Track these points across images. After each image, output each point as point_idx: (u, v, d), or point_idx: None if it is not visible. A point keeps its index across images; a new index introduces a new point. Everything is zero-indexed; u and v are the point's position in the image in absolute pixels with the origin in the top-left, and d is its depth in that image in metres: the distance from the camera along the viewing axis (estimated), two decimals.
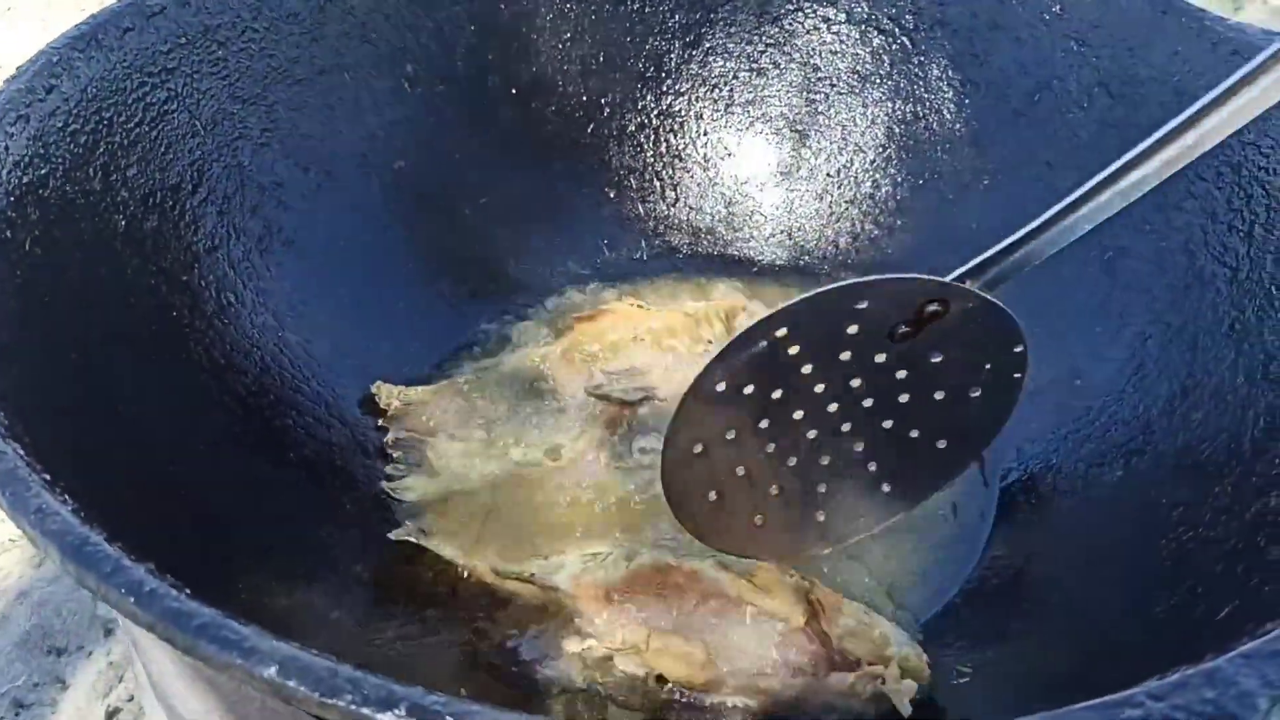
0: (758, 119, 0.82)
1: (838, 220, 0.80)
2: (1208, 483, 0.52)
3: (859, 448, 0.51)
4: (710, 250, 0.82)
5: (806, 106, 0.81)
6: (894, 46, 0.77)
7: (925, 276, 0.48)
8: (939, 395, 0.50)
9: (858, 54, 0.79)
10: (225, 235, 0.63)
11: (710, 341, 0.70)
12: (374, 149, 0.73)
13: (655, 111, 0.81)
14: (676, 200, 0.82)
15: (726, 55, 0.81)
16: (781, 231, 0.82)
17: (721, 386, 0.47)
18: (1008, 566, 0.59)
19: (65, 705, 0.78)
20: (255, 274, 0.64)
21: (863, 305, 0.47)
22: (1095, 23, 0.69)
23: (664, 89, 0.81)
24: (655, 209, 0.82)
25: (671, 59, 0.81)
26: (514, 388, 0.68)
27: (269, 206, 0.66)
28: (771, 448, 0.50)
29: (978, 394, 0.50)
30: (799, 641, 0.52)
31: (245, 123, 0.66)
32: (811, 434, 0.50)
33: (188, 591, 0.33)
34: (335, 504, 0.60)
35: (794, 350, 0.47)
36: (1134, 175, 0.48)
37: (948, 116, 0.76)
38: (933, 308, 0.48)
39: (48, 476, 0.38)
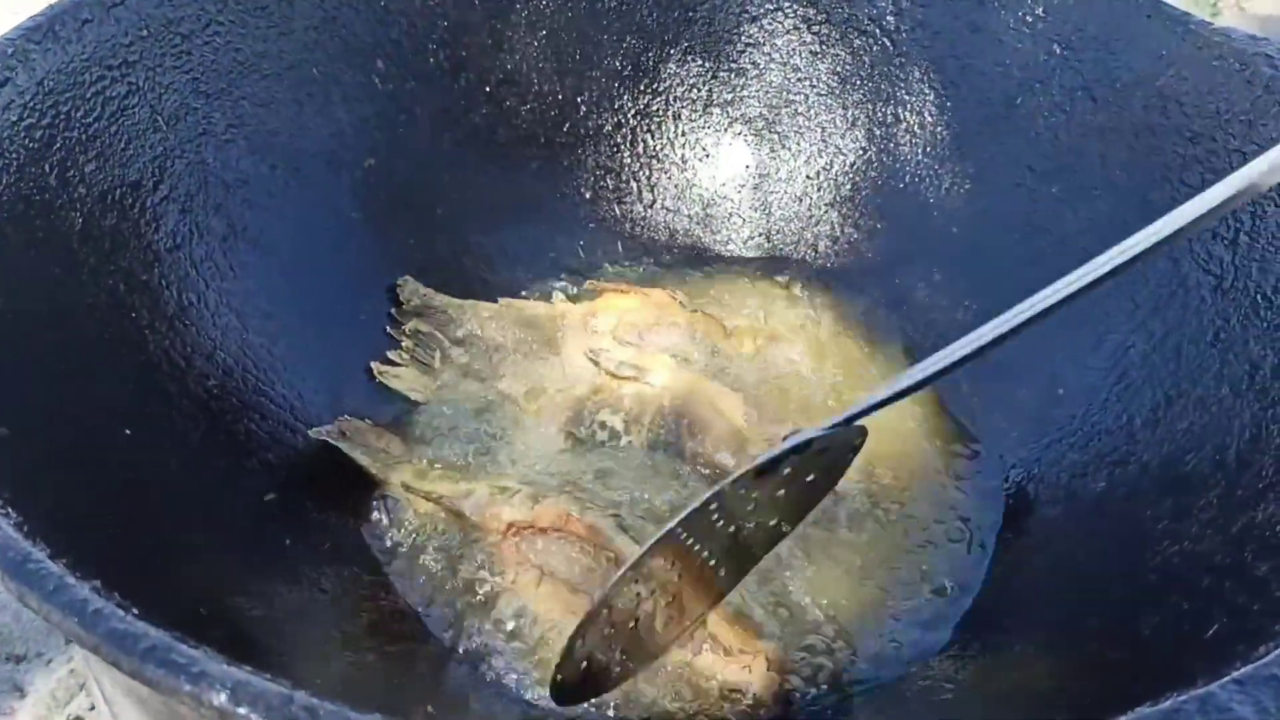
0: (736, 120, 0.81)
1: (817, 223, 0.79)
2: (1193, 495, 0.51)
3: (705, 554, 0.51)
4: (688, 253, 0.80)
5: (786, 108, 0.79)
6: (874, 48, 0.76)
7: (794, 444, 0.48)
8: (780, 494, 0.51)
9: (838, 55, 0.78)
10: (187, 234, 0.61)
11: (730, 357, 0.71)
12: (343, 146, 0.71)
13: (632, 111, 0.80)
14: (654, 202, 0.81)
15: (705, 55, 0.79)
16: (760, 234, 0.80)
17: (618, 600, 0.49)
18: (991, 578, 0.58)
19: (24, 714, 0.76)
20: (219, 274, 0.62)
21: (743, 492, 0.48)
22: (1078, 25, 0.68)
23: (641, 88, 0.80)
24: (632, 210, 0.81)
25: (649, 58, 0.79)
26: (531, 330, 0.72)
27: (234, 204, 0.64)
28: (639, 598, 0.50)
29: (812, 478, 0.51)
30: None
31: (209, 118, 0.64)
32: (674, 570, 0.50)
33: (135, 611, 0.32)
34: (300, 512, 0.58)
35: (683, 534, 0.48)
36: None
37: (929, 119, 0.75)
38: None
39: None
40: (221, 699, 0.29)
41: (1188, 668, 0.38)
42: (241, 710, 0.29)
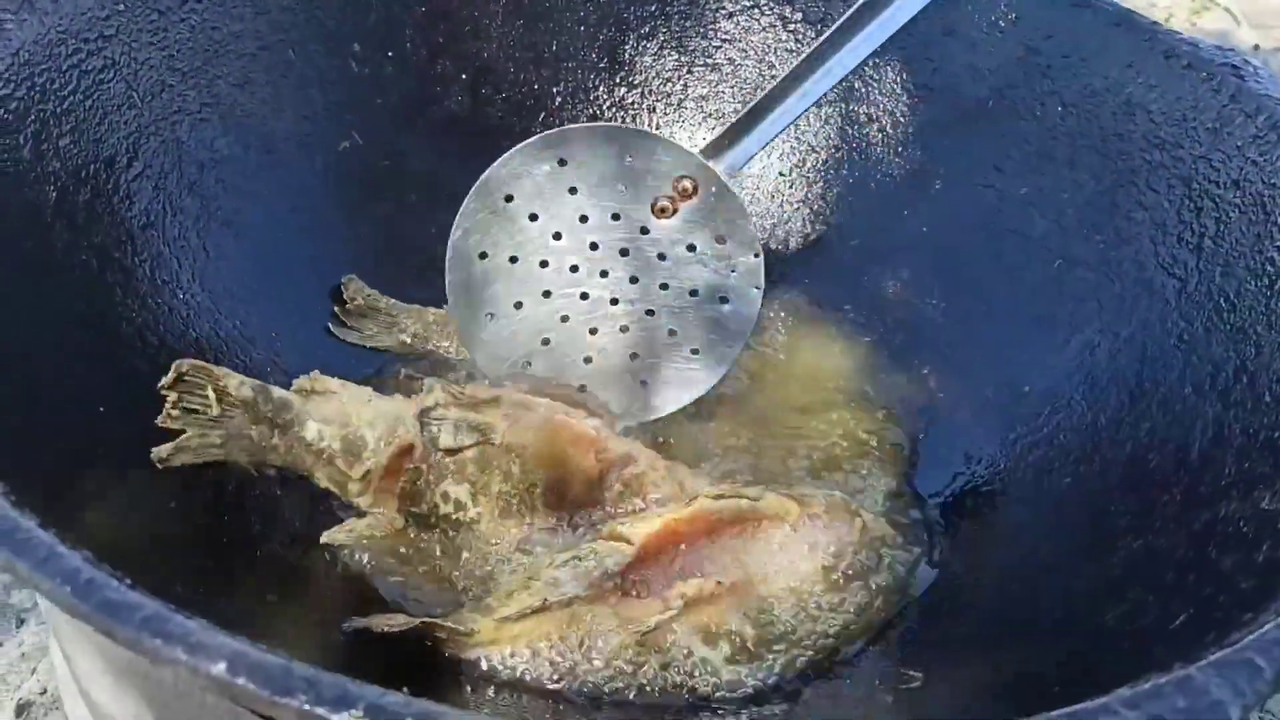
0: (711, 115, 0.81)
1: (789, 220, 0.79)
2: (1156, 492, 0.52)
3: (622, 325, 0.61)
4: None
5: None
6: None
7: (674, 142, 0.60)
8: (692, 289, 0.60)
9: None
10: (161, 212, 0.60)
11: None
12: (317, 129, 0.71)
13: (607, 103, 0.80)
14: None
15: (681, 50, 0.80)
16: None
17: (509, 190, 0.60)
18: (957, 573, 0.59)
19: None
20: (192, 254, 0.61)
21: (629, 160, 0.57)
22: (1049, 33, 0.69)
23: (617, 81, 0.80)
24: None
25: (625, 51, 0.79)
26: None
27: (207, 184, 0.64)
28: (546, 287, 0.60)
29: (728, 307, 0.61)
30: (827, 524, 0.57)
31: (184, 96, 0.63)
32: (583, 291, 0.61)
33: (128, 581, 0.31)
34: (270, 495, 0.58)
35: (575, 186, 0.57)
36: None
37: (900, 119, 0.76)
38: (684, 183, 0.61)
39: None
40: (219, 668, 0.29)
41: (1154, 656, 0.39)
42: (240, 681, 0.29)
